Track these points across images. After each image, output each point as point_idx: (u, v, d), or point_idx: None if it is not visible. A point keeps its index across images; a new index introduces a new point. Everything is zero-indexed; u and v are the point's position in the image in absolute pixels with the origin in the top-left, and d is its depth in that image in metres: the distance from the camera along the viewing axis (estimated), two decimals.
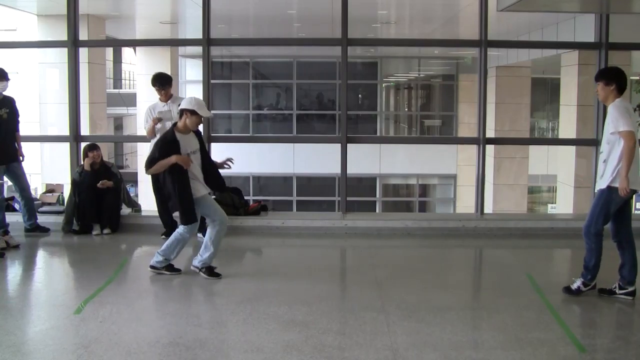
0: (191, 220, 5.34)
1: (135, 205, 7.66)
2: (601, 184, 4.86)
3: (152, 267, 5.57)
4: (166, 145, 5.26)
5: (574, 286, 4.99)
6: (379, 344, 4.05)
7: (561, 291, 5.04)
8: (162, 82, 6.86)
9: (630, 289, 4.89)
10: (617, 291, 4.92)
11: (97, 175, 7.17)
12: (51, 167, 10.69)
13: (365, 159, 16.78)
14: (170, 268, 5.57)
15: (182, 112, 5.31)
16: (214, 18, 7.76)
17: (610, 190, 4.77)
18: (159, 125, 6.78)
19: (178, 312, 4.64)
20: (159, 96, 6.90)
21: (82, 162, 7.37)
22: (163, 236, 6.95)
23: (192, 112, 5.27)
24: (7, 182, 6.95)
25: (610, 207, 4.83)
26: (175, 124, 5.43)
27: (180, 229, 5.46)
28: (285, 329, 4.31)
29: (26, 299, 5.16)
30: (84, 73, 8.84)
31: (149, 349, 3.95)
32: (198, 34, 7.69)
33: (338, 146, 7.75)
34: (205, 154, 5.58)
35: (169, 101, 6.87)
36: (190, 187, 5.29)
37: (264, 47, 16.93)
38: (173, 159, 5.19)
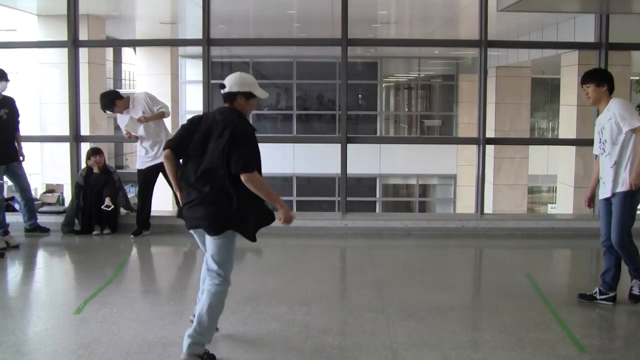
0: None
1: (132, 210, 7.66)
2: (617, 187, 4.61)
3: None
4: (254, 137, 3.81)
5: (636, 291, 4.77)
6: (379, 344, 4.05)
7: (629, 301, 4.76)
8: (108, 103, 6.89)
9: (611, 294, 4.79)
10: (598, 297, 4.81)
11: (97, 179, 7.20)
12: (51, 167, 10.68)
13: (365, 159, 16.76)
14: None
15: (235, 95, 3.77)
16: (214, 18, 7.76)
17: (632, 192, 4.55)
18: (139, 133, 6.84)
19: (178, 312, 4.63)
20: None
21: (84, 165, 7.38)
22: (132, 236, 6.97)
23: (248, 95, 3.80)
24: (7, 182, 6.96)
25: (634, 207, 4.62)
26: (235, 110, 3.79)
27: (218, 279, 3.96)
28: (285, 329, 4.31)
29: (26, 299, 5.16)
30: (84, 73, 8.84)
31: (149, 349, 3.95)
32: (198, 34, 7.69)
33: (338, 146, 7.74)
34: None
35: (129, 108, 6.91)
36: None
37: (264, 47, 16.93)
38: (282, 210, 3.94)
